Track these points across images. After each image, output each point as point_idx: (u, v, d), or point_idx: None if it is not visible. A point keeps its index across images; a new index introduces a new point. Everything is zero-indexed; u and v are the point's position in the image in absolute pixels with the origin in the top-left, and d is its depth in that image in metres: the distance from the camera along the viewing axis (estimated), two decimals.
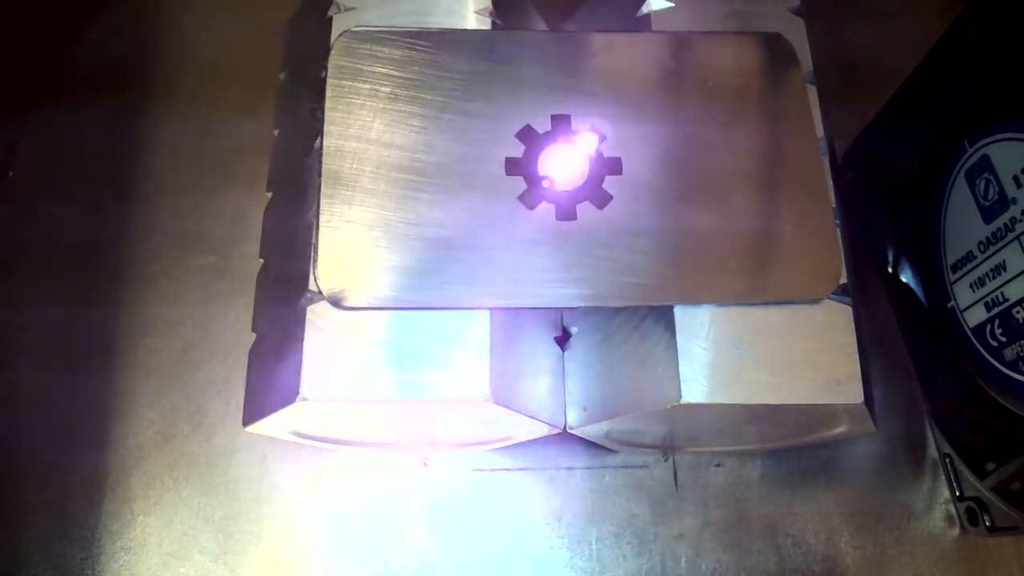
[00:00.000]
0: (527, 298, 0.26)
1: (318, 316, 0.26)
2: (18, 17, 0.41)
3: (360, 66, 0.28)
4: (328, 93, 0.28)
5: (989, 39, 0.28)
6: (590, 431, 0.30)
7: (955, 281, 0.30)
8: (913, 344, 0.36)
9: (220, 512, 0.34)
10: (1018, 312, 0.27)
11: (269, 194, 0.31)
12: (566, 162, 0.28)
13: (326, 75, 0.28)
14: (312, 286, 0.26)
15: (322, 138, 0.27)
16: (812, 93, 0.29)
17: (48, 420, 0.35)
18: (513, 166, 0.28)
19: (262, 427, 0.27)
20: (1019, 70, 0.27)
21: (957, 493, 0.34)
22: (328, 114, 0.28)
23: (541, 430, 0.30)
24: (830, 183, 0.28)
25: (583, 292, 0.26)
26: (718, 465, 0.35)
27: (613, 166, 0.28)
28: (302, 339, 0.25)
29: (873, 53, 0.42)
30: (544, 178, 0.28)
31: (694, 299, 0.26)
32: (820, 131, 0.29)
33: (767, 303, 0.26)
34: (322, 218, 0.26)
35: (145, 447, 0.35)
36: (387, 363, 0.25)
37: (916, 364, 0.36)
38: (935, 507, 0.35)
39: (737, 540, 0.34)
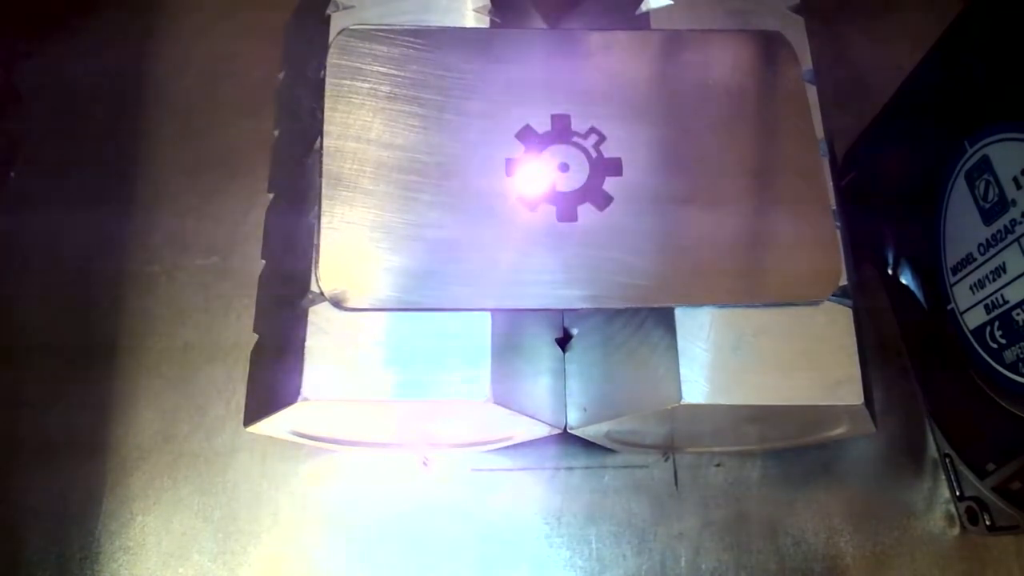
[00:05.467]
0: (528, 299, 0.26)
1: (320, 317, 0.26)
2: (18, 17, 0.40)
3: (359, 65, 0.28)
4: (327, 93, 0.28)
5: (989, 39, 0.28)
6: (590, 431, 0.30)
7: (955, 283, 0.30)
8: (913, 344, 0.36)
9: (219, 512, 0.34)
10: (1018, 314, 0.27)
11: (270, 195, 0.31)
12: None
13: (325, 74, 0.28)
14: (314, 287, 0.26)
15: (322, 139, 0.27)
16: (812, 92, 0.29)
17: (48, 420, 0.35)
18: (513, 167, 0.27)
19: (263, 427, 0.27)
20: (1019, 70, 0.27)
21: (957, 493, 0.34)
22: (328, 114, 0.28)
23: (541, 430, 0.30)
24: (830, 184, 0.28)
25: (584, 293, 0.26)
26: (718, 465, 0.35)
27: (613, 167, 0.28)
28: (304, 340, 0.25)
29: (873, 53, 0.42)
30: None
31: (695, 300, 0.26)
32: (820, 131, 0.29)
33: (767, 304, 0.26)
34: (323, 219, 0.26)
35: (145, 447, 0.35)
36: (388, 364, 0.25)
37: (916, 364, 0.36)
38: (935, 507, 0.35)
39: (737, 540, 0.34)
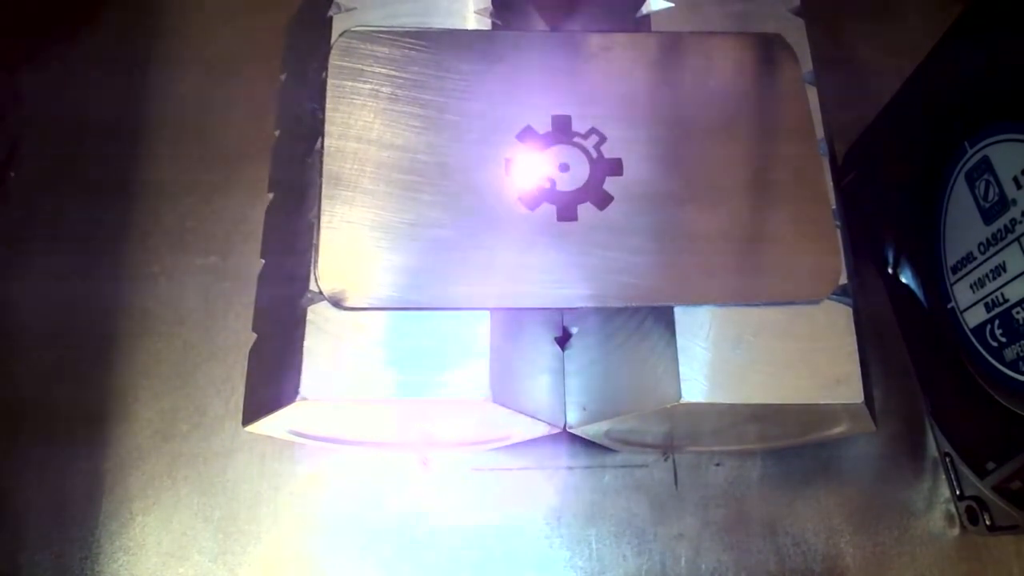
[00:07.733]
0: (527, 298, 0.26)
1: (319, 316, 0.26)
2: (19, 18, 0.41)
3: (360, 66, 0.28)
4: (328, 94, 0.28)
5: (989, 40, 0.28)
6: (590, 430, 0.30)
7: (955, 282, 0.30)
8: (913, 344, 0.36)
9: (219, 512, 0.34)
10: (1018, 313, 0.27)
11: (270, 195, 0.31)
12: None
13: (326, 76, 0.28)
14: (313, 286, 0.26)
15: (323, 139, 0.27)
16: (812, 93, 0.29)
17: (47, 419, 0.35)
18: (513, 166, 0.27)
19: (262, 427, 0.27)
20: (1019, 70, 0.27)
21: (957, 492, 0.34)
22: (329, 115, 0.28)
23: (541, 429, 0.30)
24: (830, 183, 0.28)
25: (583, 292, 0.26)
26: (718, 465, 0.35)
27: (614, 167, 0.28)
28: (302, 339, 0.25)
29: (873, 53, 0.42)
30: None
31: (694, 299, 0.26)
32: (820, 132, 0.29)
33: (767, 303, 0.26)
34: (323, 219, 0.26)
35: (144, 447, 0.35)
36: (387, 363, 0.25)
37: (916, 364, 0.36)
38: (935, 506, 0.35)
39: (737, 540, 0.34)
